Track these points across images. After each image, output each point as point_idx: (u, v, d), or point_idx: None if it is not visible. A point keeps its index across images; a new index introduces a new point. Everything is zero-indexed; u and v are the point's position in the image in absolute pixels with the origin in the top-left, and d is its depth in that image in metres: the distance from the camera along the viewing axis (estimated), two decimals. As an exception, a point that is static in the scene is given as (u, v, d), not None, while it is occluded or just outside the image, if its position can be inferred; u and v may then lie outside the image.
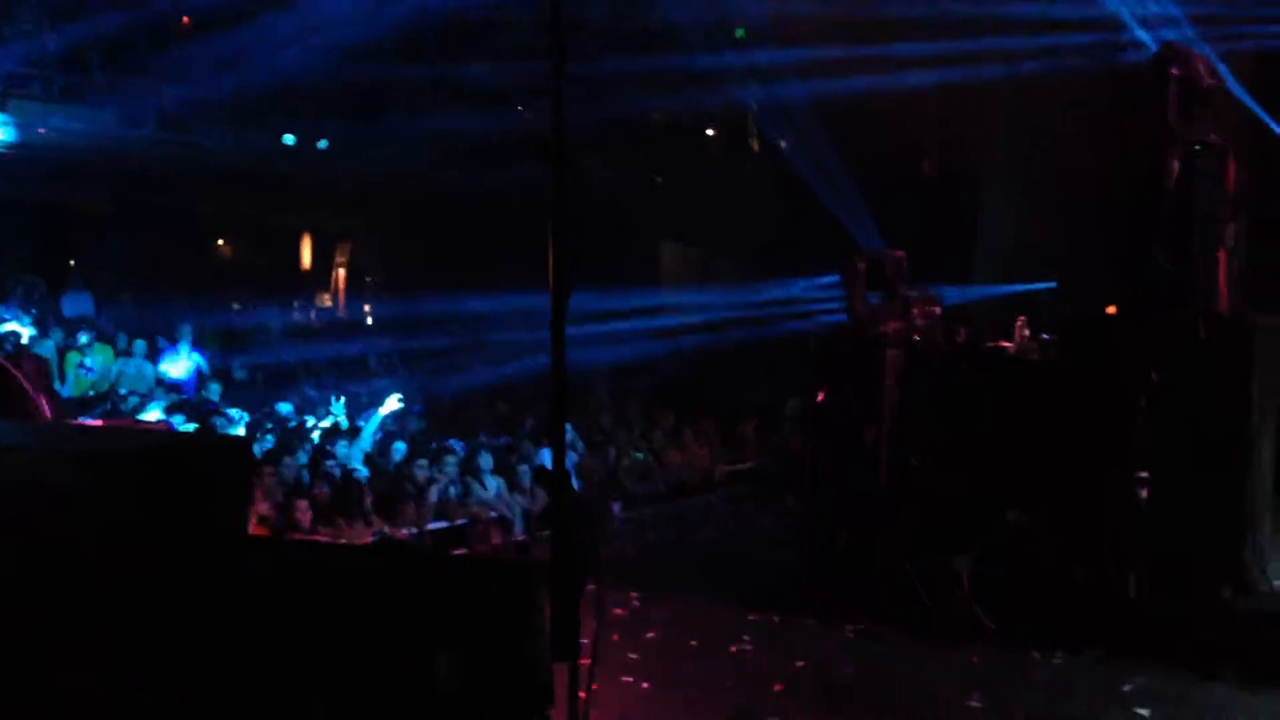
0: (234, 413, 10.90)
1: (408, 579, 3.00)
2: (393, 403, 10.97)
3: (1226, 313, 7.17)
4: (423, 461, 10.21)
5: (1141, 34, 12.57)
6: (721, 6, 16.14)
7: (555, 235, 3.14)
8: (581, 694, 3.40)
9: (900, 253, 8.20)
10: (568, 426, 3.71)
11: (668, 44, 16.14)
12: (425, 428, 11.75)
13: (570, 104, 3.45)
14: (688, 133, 19.73)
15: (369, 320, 19.90)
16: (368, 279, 21.28)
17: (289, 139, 16.21)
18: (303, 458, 10.05)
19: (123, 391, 11.27)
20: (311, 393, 13.50)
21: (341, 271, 21.42)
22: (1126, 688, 6.06)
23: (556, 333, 3.13)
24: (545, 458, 11.09)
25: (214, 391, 12.06)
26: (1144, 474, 6.88)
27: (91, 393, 11.50)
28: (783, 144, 17.75)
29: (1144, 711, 5.78)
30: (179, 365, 12.49)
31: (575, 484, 2.97)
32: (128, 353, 12.33)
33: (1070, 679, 6.31)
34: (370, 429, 10.61)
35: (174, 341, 12.74)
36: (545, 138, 3.41)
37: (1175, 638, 6.52)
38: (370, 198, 18.43)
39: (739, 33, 17.41)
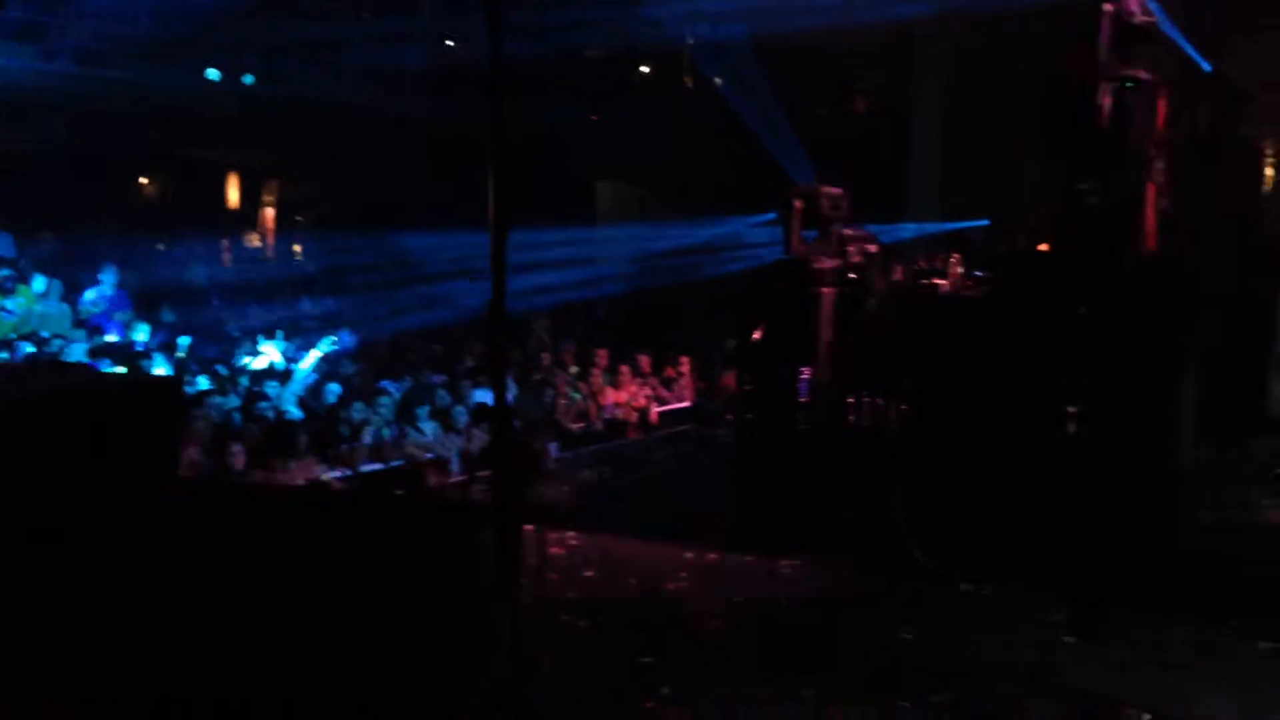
0: (159, 356, 10.68)
1: (349, 521, 2.95)
2: (328, 345, 10.80)
3: (1154, 249, 7.26)
4: (358, 404, 10.09)
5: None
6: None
7: (495, 170, 3.06)
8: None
9: (837, 190, 8.18)
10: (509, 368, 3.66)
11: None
12: (360, 369, 11.60)
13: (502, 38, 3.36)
14: (622, 70, 19.50)
15: (300, 259, 19.55)
16: (298, 218, 20.88)
17: (213, 74, 15.79)
18: (234, 400, 9.89)
19: (44, 334, 10.98)
20: (240, 333, 13.27)
21: (270, 210, 20.98)
22: (1055, 617, 6.19)
23: (496, 270, 3.06)
24: (482, 397, 11.04)
25: (142, 332, 11.80)
26: (1073, 408, 6.98)
27: (14, 335, 11.20)
28: (718, 81, 17.62)
29: (1070, 639, 5.91)
30: (102, 305, 12.19)
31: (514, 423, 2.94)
32: (46, 294, 12.00)
33: (1000, 610, 6.45)
34: (305, 372, 10.45)
35: (96, 282, 12.42)
36: (481, 69, 3.32)
37: (1102, 571, 6.67)
38: (299, 134, 18.02)
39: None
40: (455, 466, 10.10)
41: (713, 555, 7.37)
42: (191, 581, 3.11)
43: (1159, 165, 7.33)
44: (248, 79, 16.27)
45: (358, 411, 9.98)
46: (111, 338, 11.48)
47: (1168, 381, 7.02)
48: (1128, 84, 7.25)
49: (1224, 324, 8.29)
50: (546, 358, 13.29)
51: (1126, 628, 6.11)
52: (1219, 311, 7.69)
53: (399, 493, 9.13)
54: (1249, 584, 6.63)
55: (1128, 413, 6.98)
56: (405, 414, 10.28)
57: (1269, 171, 12.22)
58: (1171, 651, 5.73)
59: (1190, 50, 12.22)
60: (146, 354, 10.54)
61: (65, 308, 11.92)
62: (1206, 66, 12.04)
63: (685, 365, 14.02)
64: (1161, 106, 7.35)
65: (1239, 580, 6.69)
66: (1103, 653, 5.74)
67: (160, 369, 10.19)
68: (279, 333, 12.17)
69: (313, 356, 10.62)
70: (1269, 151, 12.40)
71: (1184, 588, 6.51)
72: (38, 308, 11.80)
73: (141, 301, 12.81)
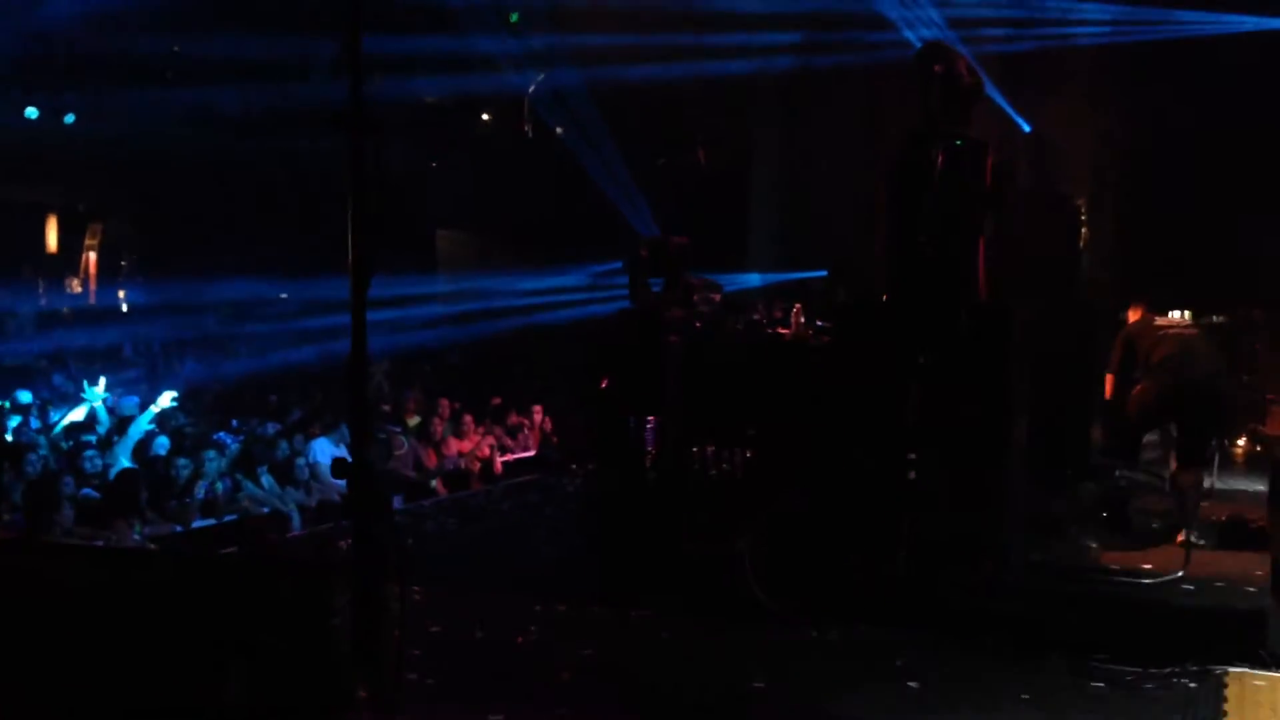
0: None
1: (194, 583, 2.80)
2: (165, 400, 10.34)
3: (986, 299, 7.54)
4: (185, 459, 9.68)
5: (906, 33, 13.14)
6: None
7: (354, 213, 2.97)
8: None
9: (683, 239, 8.28)
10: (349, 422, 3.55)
11: (440, 25, 15.86)
12: (189, 421, 11.17)
13: (338, 82, 3.29)
14: (462, 117, 19.44)
15: (124, 306, 18.80)
16: (122, 262, 20.09)
17: (31, 112, 15.12)
18: (48, 451, 9.40)
19: None
20: (61, 383, 12.65)
21: (93, 255, 20.13)
22: (899, 662, 6.32)
23: (356, 316, 2.96)
24: (316, 450, 10.75)
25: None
26: (912, 455, 7.17)
27: None
28: (559, 130, 17.72)
29: (914, 684, 6.04)
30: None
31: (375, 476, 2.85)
32: None
33: (847, 655, 6.55)
34: (139, 426, 9.98)
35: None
36: (336, 110, 3.24)
37: (943, 612, 6.84)
38: (123, 175, 17.39)
39: (513, 17, 17.25)
40: (295, 521, 9.79)
41: (561, 606, 7.29)
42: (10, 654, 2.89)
43: (987, 220, 7.62)
44: (69, 118, 15.64)
45: (185, 465, 9.57)
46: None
47: (999, 428, 7.28)
48: (958, 142, 7.53)
49: (1049, 373, 8.66)
50: (387, 407, 13.05)
51: (965, 668, 6.27)
52: (1044, 361, 8.02)
53: (229, 550, 8.80)
54: (1078, 621, 6.90)
55: (962, 458, 7.20)
56: (241, 466, 9.92)
57: (1083, 229, 12.88)
58: (1005, 691, 5.91)
59: (1011, 111, 12.88)
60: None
61: None
62: (1026, 127, 12.70)
63: (537, 414, 13.94)
64: (989, 163, 7.65)
65: (1069, 618, 6.94)
66: (948, 695, 5.87)
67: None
68: (101, 379, 11.62)
69: (156, 406, 10.16)
70: (1083, 208, 13.08)
71: (1017, 627, 6.73)
72: None
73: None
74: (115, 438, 9.85)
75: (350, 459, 2.98)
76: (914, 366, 7.19)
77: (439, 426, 12.76)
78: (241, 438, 10.91)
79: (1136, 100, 13.99)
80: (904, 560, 7.12)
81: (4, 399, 11.05)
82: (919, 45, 9.25)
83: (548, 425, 13.85)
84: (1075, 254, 12.34)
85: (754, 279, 14.82)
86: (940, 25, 13.25)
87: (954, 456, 7.19)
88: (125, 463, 9.44)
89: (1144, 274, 14.01)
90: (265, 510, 9.59)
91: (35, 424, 10.63)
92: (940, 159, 7.48)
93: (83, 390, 11.18)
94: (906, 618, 6.76)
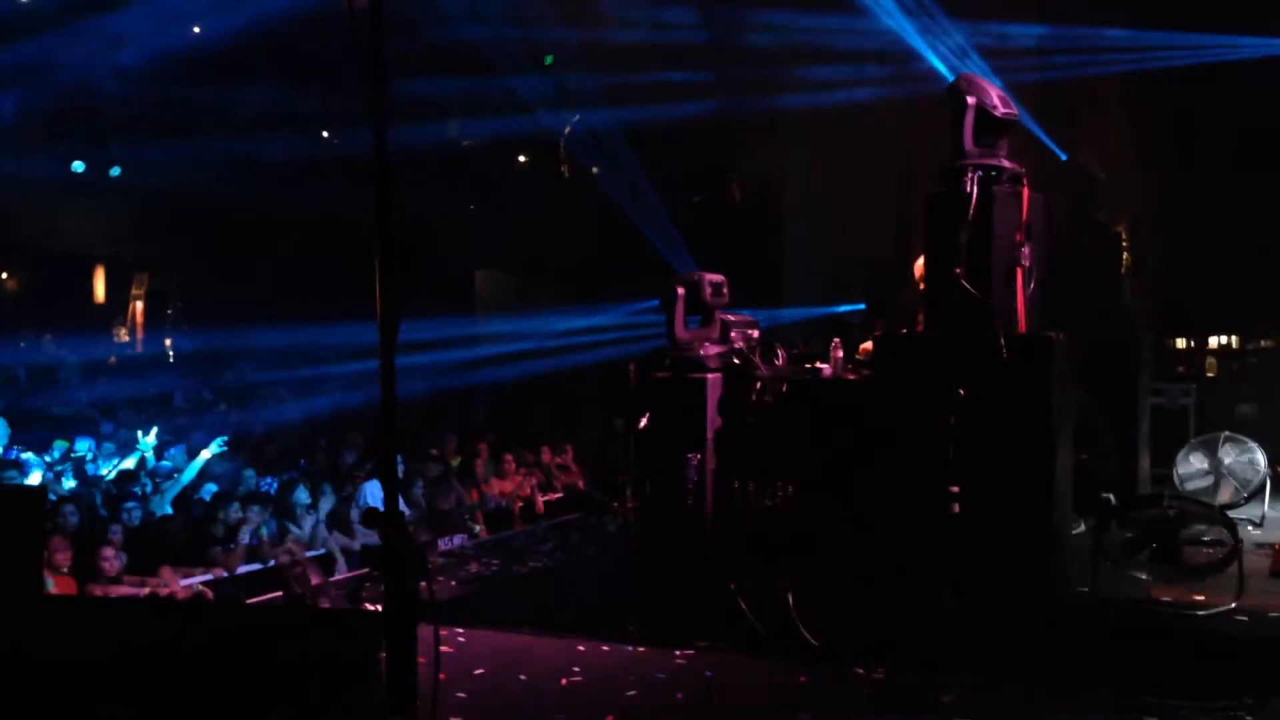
0: (29, 458, 10.23)
1: (238, 635, 2.82)
2: (212, 448, 10.45)
3: (1025, 330, 7.49)
4: (234, 504, 9.77)
5: (937, 65, 13.14)
6: (529, 32, 16.15)
7: (382, 261, 3.00)
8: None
9: (719, 276, 8.29)
10: (398, 461, 3.57)
11: (476, 69, 16.06)
12: (236, 466, 11.26)
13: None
14: (499, 159, 19.64)
15: (170, 355, 19.06)
16: (169, 311, 20.39)
17: (79, 166, 15.43)
18: (101, 500, 9.51)
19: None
20: (110, 431, 12.82)
21: (139, 304, 20.45)
22: (946, 699, 6.24)
23: (386, 363, 2.99)
24: (368, 492, 10.79)
25: (1, 432, 11.30)
26: (954, 487, 7.11)
27: None
28: (595, 170, 17.85)
29: (963, 720, 5.96)
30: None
31: (408, 523, 2.85)
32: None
33: (892, 693, 6.47)
34: (189, 475, 10.09)
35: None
36: (366, 160, 3.27)
37: (989, 648, 6.76)
38: (168, 225, 17.69)
39: (547, 60, 17.44)
40: (340, 564, 9.84)
41: (605, 648, 7.27)
42: (43, 707, 2.91)
43: (1025, 250, 7.59)
44: (114, 171, 15.95)
45: (232, 510, 9.66)
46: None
47: (1042, 459, 7.20)
48: (992, 173, 7.52)
49: (1094, 403, 8.58)
50: (428, 450, 13.11)
51: (1014, 705, 6.18)
52: (1089, 391, 7.95)
53: (274, 595, 8.85)
54: (1128, 657, 6.78)
55: (1005, 491, 7.14)
56: (286, 512, 10.00)
57: (1124, 256, 12.78)
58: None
59: (1046, 140, 12.82)
60: (15, 463, 10.06)
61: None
62: (1063, 156, 12.64)
63: (571, 453, 13.97)
64: (1025, 193, 7.62)
65: (1117, 653, 6.83)
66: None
67: (26, 475, 9.78)
68: (154, 427, 11.79)
69: (202, 455, 10.28)
70: (1124, 235, 12.99)
71: (1066, 661, 6.63)
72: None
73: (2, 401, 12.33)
74: (163, 485, 9.97)
75: (383, 506, 3.00)
76: (954, 400, 7.15)
77: (479, 466, 12.81)
78: (288, 480, 11.00)
79: (1175, 124, 13.89)
80: (948, 595, 7.05)
81: (52, 449, 11.20)
82: (951, 77, 9.24)
83: (583, 464, 13.86)
84: (1116, 282, 12.25)
85: (791, 314, 14.80)
86: (973, 55, 13.24)
87: (996, 490, 7.13)
88: (168, 510, 9.55)
89: (1187, 301, 13.87)
90: (310, 555, 9.63)
91: (92, 470, 10.76)
92: (975, 190, 7.47)
93: (134, 439, 11.34)
94: (952, 654, 6.68)
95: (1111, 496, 8.65)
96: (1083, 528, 8.10)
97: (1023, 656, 6.66)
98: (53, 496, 9.12)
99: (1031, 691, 6.34)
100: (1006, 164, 7.61)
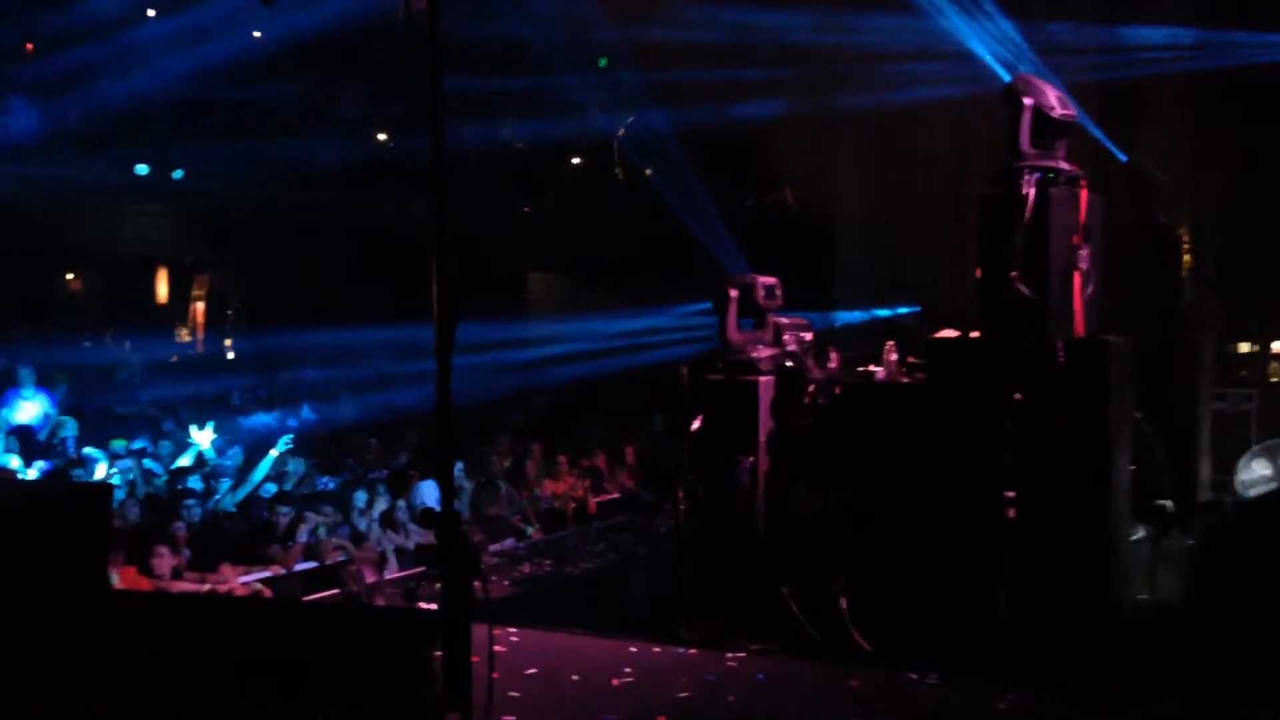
0: (93, 452, 10.42)
1: (296, 631, 2.87)
2: (280, 447, 10.56)
3: (1082, 334, 7.41)
4: (293, 503, 9.87)
5: (994, 65, 13.02)
6: (583, 35, 16.20)
7: (438, 265, 3.04)
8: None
9: (772, 279, 8.27)
10: (457, 465, 3.62)
11: (529, 71, 16.14)
12: (296, 465, 11.35)
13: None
14: (552, 161, 19.72)
15: (230, 355, 19.34)
16: (229, 311, 20.69)
17: (142, 169, 15.69)
18: (163, 496, 9.67)
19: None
20: (171, 429, 13.01)
21: (200, 305, 20.78)
22: (1001, 705, 6.19)
23: (442, 367, 3.02)
24: (424, 492, 10.87)
25: (70, 428, 11.51)
26: (1010, 493, 7.05)
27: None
28: (648, 172, 17.86)
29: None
30: (24, 410, 11.89)
31: (463, 524, 2.89)
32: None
33: (946, 699, 6.43)
34: (260, 474, 10.23)
35: (15, 385, 12.10)
36: (421, 166, 3.31)
37: (1044, 655, 6.69)
38: (228, 227, 17.95)
39: (601, 62, 17.48)
40: (393, 563, 9.93)
41: (656, 649, 7.29)
42: (108, 701, 2.97)
43: (1082, 252, 7.50)
44: (177, 174, 16.20)
45: (289, 508, 9.77)
46: (39, 440, 11.20)
47: (1099, 464, 7.12)
48: (1049, 175, 7.44)
49: (1152, 408, 8.46)
50: (481, 451, 13.18)
51: (1069, 713, 6.12)
52: (1147, 395, 7.84)
53: (331, 592, 8.96)
54: (1184, 666, 6.68)
55: (1062, 496, 7.06)
56: (344, 511, 10.10)
57: (1185, 258, 12.59)
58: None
59: (1105, 141, 12.65)
60: (79, 460, 10.24)
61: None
62: (1122, 157, 12.46)
63: (624, 455, 13.99)
64: (1083, 196, 7.54)
65: (1175, 662, 6.73)
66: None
67: (91, 470, 9.96)
68: (210, 422, 11.91)
69: (270, 454, 10.40)
70: (1184, 237, 12.78)
71: (1127, 670, 6.55)
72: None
73: (68, 399, 12.56)
74: (222, 483, 10.10)
75: (439, 507, 3.04)
76: (1010, 404, 7.08)
77: (531, 468, 12.87)
78: (345, 479, 11.11)
79: (1237, 123, 13.66)
80: (1003, 600, 6.99)
81: (114, 447, 11.37)
82: (1008, 78, 9.16)
83: (636, 466, 13.88)
84: (1177, 284, 12.06)
85: (844, 317, 14.72)
86: (1030, 56, 13.11)
87: (1053, 495, 7.05)
88: (231, 508, 9.69)
89: (1250, 304, 13.63)
90: (366, 553, 9.72)
91: (155, 468, 10.91)
92: (1032, 193, 7.40)
93: (187, 435, 11.48)
94: (1007, 660, 6.62)
95: (1169, 503, 8.52)
96: (1141, 534, 7.98)
97: (1078, 663, 6.59)
98: (118, 495, 9.27)
99: (1087, 699, 6.26)
100: (1064, 165, 7.53)
